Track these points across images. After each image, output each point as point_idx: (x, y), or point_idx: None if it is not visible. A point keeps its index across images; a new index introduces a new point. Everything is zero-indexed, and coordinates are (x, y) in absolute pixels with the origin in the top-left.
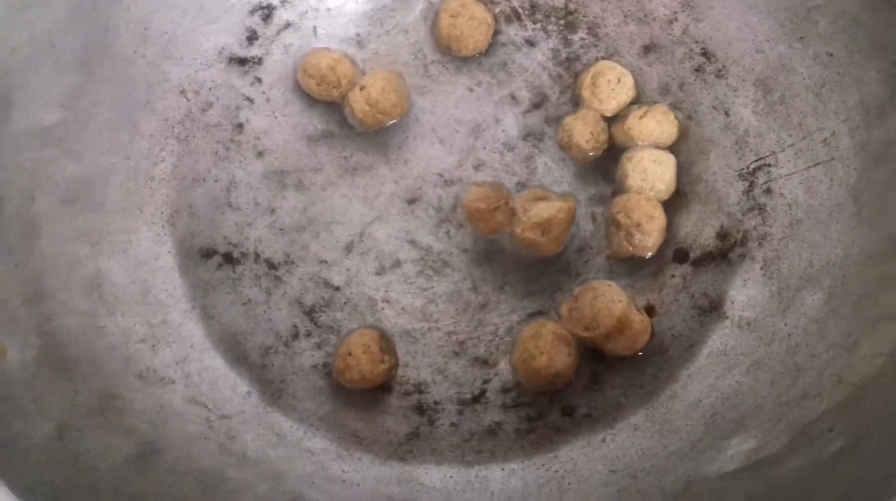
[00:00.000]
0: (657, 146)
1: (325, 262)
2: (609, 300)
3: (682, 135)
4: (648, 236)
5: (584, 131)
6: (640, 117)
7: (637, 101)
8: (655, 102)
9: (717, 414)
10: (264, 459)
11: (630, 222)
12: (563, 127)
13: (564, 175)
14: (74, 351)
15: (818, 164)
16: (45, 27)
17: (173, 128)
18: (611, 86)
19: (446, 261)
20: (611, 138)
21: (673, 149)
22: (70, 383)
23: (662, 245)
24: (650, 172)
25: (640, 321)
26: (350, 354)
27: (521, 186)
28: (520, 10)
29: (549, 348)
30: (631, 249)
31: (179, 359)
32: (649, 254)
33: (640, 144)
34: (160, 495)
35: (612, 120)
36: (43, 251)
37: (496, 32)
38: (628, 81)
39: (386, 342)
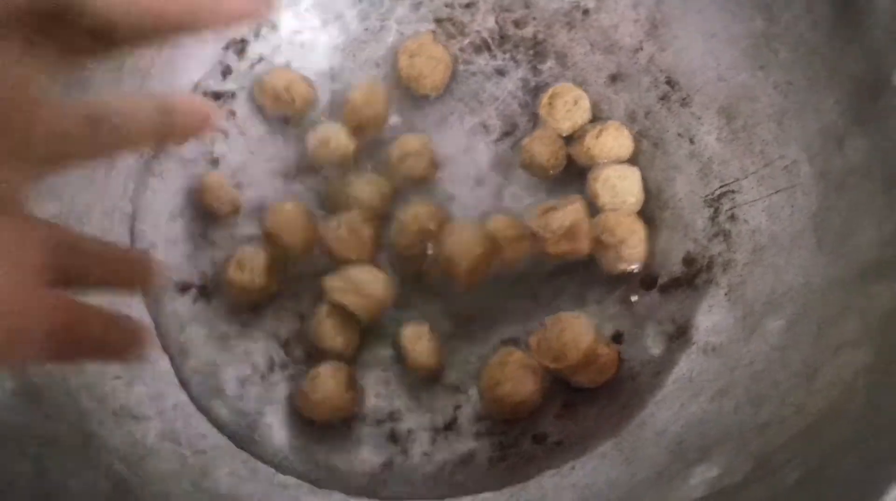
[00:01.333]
0: (618, 161)
1: (299, 295)
2: (576, 333)
3: (638, 147)
4: (635, 249)
5: (544, 151)
6: (597, 136)
7: (592, 121)
8: (608, 119)
9: (682, 442)
10: (236, 496)
11: (615, 240)
12: (524, 149)
13: (534, 201)
14: (49, 390)
15: (780, 191)
16: None
17: (149, 163)
18: (567, 107)
19: (418, 289)
20: (569, 157)
21: (642, 175)
22: (45, 421)
23: (649, 254)
24: (618, 188)
25: (607, 354)
26: (314, 387)
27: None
28: (489, 41)
29: (513, 375)
30: (623, 265)
31: (154, 395)
32: (639, 264)
33: (600, 162)
34: None
35: (568, 140)
36: None
37: (467, 62)
38: (584, 103)
39: (349, 376)
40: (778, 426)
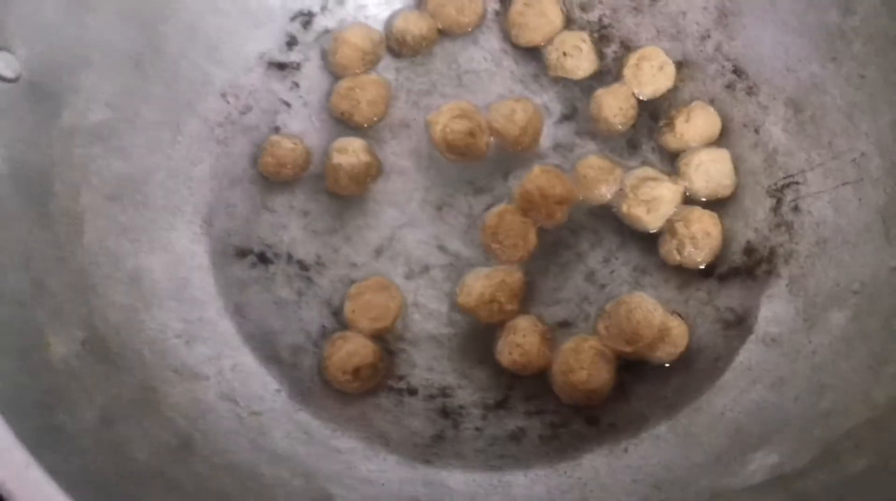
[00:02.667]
0: (710, 141)
1: (356, 265)
2: (646, 311)
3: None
4: (700, 251)
5: (612, 105)
6: (687, 120)
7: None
8: (692, 101)
9: (741, 428)
10: (294, 456)
11: (686, 234)
12: (594, 99)
13: None
14: (116, 344)
15: (847, 183)
16: (98, 26)
17: (213, 130)
18: (652, 70)
19: (474, 267)
20: (638, 117)
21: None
22: (112, 375)
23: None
24: (713, 172)
25: (677, 325)
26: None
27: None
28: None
29: (589, 363)
30: (679, 259)
31: (213, 356)
32: (696, 266)
33: (693, 144)
34: (200, 485)
35: (657, 130)
36: (88, 246)
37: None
38: (670, 69)
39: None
40: (842, 415)
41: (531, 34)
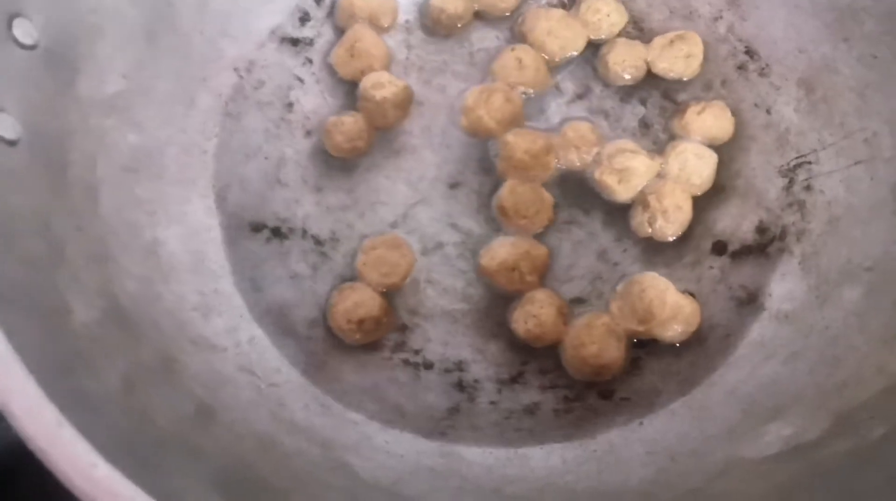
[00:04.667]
0: (713, 142)
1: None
2: (659, 290)
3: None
4: (671, 225)
5: (619, 54)
6: (699, 113)
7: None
8: (713, 99)
9: (754, 402)
10: (311, 427)
11: (658, 207)
12: (603, 48)
13: None
14: (135, 314)
15: (859, 162)
16: None
17: (226, 104)
18: (682, 53)
19: (487, 245)
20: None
21: (716, 145)
22: (132, 343)
23: (689, 233)
24: (689, 164)
25: (689, 303)
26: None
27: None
28: (566, 2)
29: (600, 339)
30: (650, 231)
31: (230, 328)
32: (666, 239)
33: (695, 138)
34: (223, 451)
35: (670, 112)
36: (104, 217)
37: None
38: (695, 63)
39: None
40: (857, 386)
41: None
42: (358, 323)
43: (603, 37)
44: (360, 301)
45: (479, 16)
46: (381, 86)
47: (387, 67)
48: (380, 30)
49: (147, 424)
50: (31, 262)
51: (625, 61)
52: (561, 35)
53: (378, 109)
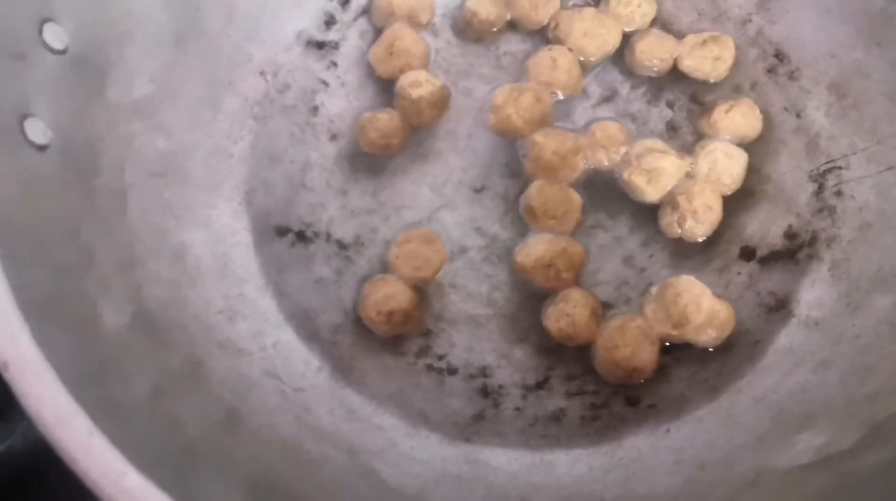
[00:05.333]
0: (742, 141)
1: (389, 241)
2: (695, 295)
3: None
4: (700, 225)
5: (646, 45)
6: (727, 111)
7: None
8: (740, 97)
9: (783, 410)
10: (337, 432)
11: (688, 207)
12: (630, 41)
13: None
14: (163, 319)
15: (891, 168)
16: (142, 3)
17: (252, 108)
18: (713, 55)
19: (511, 250)
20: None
21: (745, 148)
22: (161, 349)
23: (717, 238)
24: (720, 163)
25: (725, 309)
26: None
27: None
28: (591, 2)
29: (633, 341)
30: (679, 232)
31: (255, 332)
32: (697, 239)
33: (724, 137)
34: (250, 458)
35: (697, 114)
36: (132, 221)
37: None
38: (723, 67)
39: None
40: (889, 396)
41: None
42: (388, 315)
43: (637, 28)
44: (391, 294)
45: (511, 25)
46: (419, 84)
47: (425, 65)
48: (418, 27)
49: (177, 431)
50: (63, 269)
51: (652, 51)
52: (597, 34)
53: (414, 107)
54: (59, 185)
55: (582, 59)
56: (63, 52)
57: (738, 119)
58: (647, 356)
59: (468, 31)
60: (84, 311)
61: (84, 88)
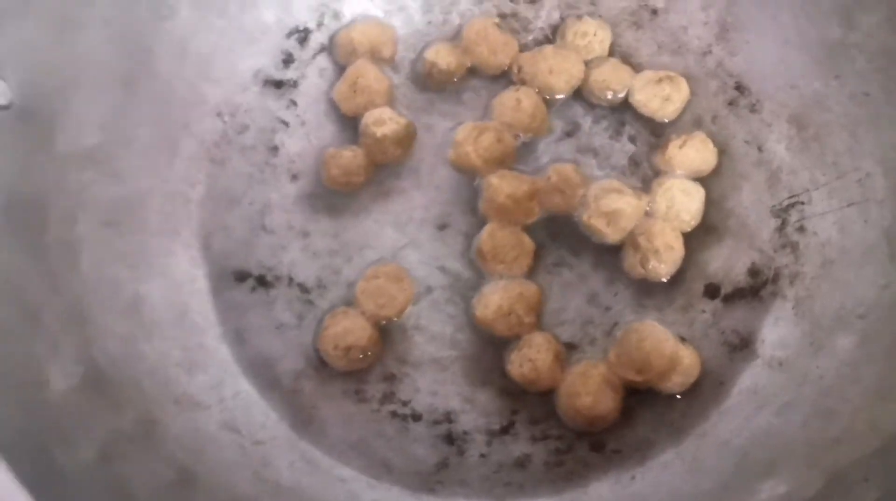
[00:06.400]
0: (697, 175)
1: (351, 286)
2: (657, 340)
3: (721, 164)
4: (664, 265)
5: (604, 76)
6: (680, 146)
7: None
8: (693, 132)
9: (747, 455)
10: (297, 487)
11: (649, 247)
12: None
13: None
14: (115, 376)
15: (852, 204)
16: (87, 47)
17: (209, 150)
18: (665, 92)
19: (475, 288)
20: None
21: (705, 182)
22: (112, 408)
23: (680, 275)
24: (677, 201)
25: (689, 355)
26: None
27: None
28: (553, 38)
29: (595, 389)
30: (643, 272)
31: (214, 384)
32: (659, 279)
33: (679, 172)
34: None
35: (651, 150)
36: (84, 274)
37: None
38: (679, 99)
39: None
40: (850, 442)
41: None
42: (345, 350)
43: (597, 55)
44: (351, 328)
45: (472, 71)
46: (383, 122)
47: (389, 101)
48: (381, 62)
49: (123, 498)
50: (7, 332)
51: (606, 81)
52: (562, 69)
53: (378, 145)
54: (4, 245)
55: (548, 97)
56: (7, 107)
57: (691, 154)
58: (609, 404)
59: (428, 81)
60: (30, 375)
61: (31, 142)
